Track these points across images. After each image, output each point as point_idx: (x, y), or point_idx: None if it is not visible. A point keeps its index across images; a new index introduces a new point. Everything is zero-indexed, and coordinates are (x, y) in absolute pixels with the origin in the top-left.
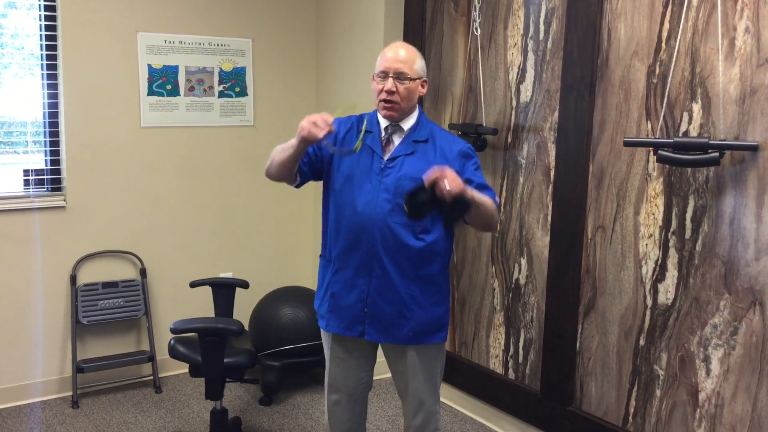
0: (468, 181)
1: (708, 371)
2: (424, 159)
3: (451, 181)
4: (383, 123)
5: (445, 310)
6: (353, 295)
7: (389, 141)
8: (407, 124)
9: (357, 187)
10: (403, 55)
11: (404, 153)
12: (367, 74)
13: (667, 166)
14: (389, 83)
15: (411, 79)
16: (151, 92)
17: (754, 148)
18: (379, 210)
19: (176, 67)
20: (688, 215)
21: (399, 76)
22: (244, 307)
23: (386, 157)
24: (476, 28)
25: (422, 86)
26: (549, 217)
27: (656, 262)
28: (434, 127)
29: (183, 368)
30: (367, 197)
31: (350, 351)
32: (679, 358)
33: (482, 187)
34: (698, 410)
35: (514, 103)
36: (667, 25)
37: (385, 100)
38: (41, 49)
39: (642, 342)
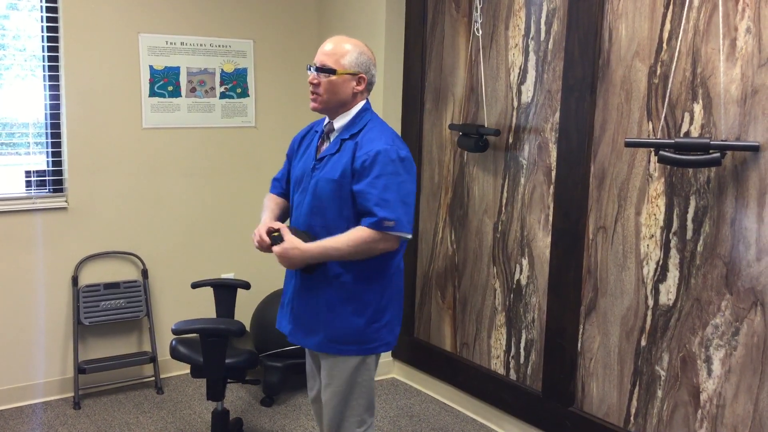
0: (361, 194)
1: (709, 372)
2: (340, 160)
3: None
4: (326, 122)
5: (366, 323)
6: (287, 294)
7: (325, 140)
8: (340, 122)
9: (296, 187)
10: (329, 48)
11: (330, 153)
12: None
13: (669, 166)
14: (312, 75)
15: (335, 73)
16: (152, 93)
17: (755, 149)
18: (304, 211)
19: (178, 68)
20: (690, 216)
21: (322, 69)
22: (245, 308)
23: (318, 157)
24: (477, 29)
25: (357, 83)
26: (550, 218)
27: (657, 262)
28: (371, 124)
29: (184, 369)
30: (299, 198)
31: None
32: (680, 359)
33: (375, 205)
34: (700, 411)
35: (515, 103)
36: (668, 26)
37: (311, 92)
38: (43, 51)
39: (643, 342)
